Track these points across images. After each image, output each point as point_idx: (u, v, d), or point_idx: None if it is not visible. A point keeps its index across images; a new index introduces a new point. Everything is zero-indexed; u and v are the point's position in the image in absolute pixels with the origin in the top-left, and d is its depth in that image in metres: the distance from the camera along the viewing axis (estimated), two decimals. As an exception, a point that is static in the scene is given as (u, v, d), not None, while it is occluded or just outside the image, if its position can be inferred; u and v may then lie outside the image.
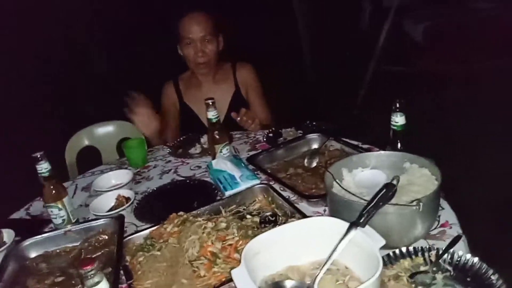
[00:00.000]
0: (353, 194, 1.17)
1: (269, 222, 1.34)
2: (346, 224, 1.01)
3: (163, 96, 2.25)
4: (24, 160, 1.47)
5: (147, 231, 1.31)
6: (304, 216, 1.26)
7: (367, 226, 1.01)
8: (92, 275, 0.83)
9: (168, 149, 1.97)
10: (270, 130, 1.98)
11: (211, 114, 1.63)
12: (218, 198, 1.50)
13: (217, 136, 1.67)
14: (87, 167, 2.02)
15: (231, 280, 1.04)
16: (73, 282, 1.22)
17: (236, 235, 1.15)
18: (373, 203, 1.03)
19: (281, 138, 1.91)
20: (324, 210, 1.37)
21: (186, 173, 1.76)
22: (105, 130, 2.48)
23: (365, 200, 1.10)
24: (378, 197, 1.03)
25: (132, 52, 4.00)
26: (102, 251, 1.34)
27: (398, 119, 1.35)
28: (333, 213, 1.23)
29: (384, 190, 1.05)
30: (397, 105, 1.34)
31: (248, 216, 1.38)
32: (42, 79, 2.74)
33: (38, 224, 1.53)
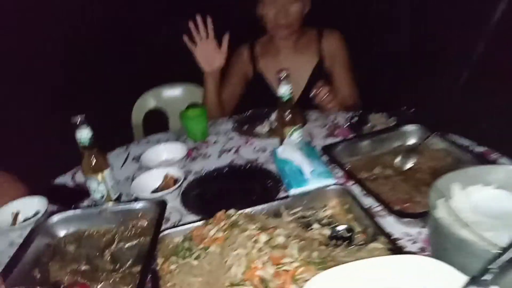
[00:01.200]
0: (467, 225, 0.82)
1: (343, 239, 1.03)
2: (462, 278, 0.68)
3: (235, 60, 1.96)
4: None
5: (189, 227, 1.07)
6: (393, 244, 0.93)
7: (494, 288, 0.67)
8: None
9: (233, 124, 1.71)
10: (355, 113, 1.63)
11: (284, 90, 1.32)
12: (282, 195, 1.22)
13: (288, 117, 1.36)
14: (154, 130, 1.84)
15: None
16: (97, 275, 1.03)
17: (296, 258, 0.86)
18: (508, 256, 0.67)
19: (368, 126, 1.56)
20: (419, 233, 1.03)
21: (248, 155, 1.49)
22: (173, 93, 2.30)
23: (489, 243, 0.74)
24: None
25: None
26: (137, 241, 1.13)
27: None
28: (436, 248, 0.89)
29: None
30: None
31: (316, 226, 1.08)
32: (109, 36, 2.60)
33: (78, 195, 1.36)
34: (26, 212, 1.27)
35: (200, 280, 0.89)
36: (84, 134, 1.19)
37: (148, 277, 0.94)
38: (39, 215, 1.22)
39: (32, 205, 1.27)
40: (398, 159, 1.30)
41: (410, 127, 1.41)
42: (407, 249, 0.97)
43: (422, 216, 1.01)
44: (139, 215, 1.19)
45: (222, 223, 0.98)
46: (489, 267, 0.68)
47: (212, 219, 1.03)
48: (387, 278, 0.77)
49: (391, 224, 1.05)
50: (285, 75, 1.30)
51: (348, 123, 1.57)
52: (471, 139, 1.35)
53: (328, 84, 1.67)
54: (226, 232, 0.95)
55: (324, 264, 0.87)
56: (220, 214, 1.03)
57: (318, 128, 1.60)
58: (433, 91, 2.32)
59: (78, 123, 1.18)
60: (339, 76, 1.88)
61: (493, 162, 1.22)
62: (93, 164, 1.23)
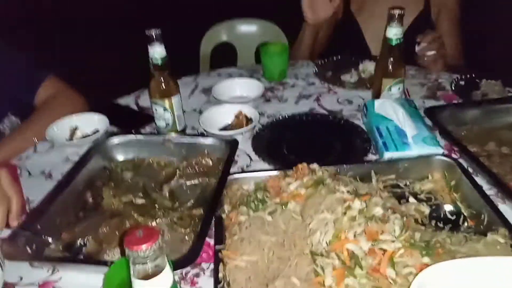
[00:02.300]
0: None
1: (446, 221, 0.84)
2: None
3: None
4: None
5: (261, 176, 0.92)
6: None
7: None
8: (148, 257, 0.46)
9: (315, 67, 1.50)
10: (462, 75, 1.37)
11: (394, 32, 1.09)
12: (369, 158, 1.03)
13: (391, 66, 1.14)
14: (221, 65, 1.68)
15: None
16: (154, 210, 0.91)
17: (398, 237, 0.69)
18: None
19: (478, 92, 1.30)
20: (545, 231, 0.81)
21: (330, 106, 1.30)
22: (247, 28, 2.11)
23: None
24: None
25: None
26: (200, 180, 0.99)
27: None
28: None
29: None
30: None
31: (411, 200, 0.89)
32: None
33: (141, 119, 1.25)
34: (85, 129, 1.17)
35: (273, 240, 0.74)
36: (158, 51, 1.04)
37: (211, 224, 0.81)
38: (98, 134, 1.12)
39: (91, 122, 1.17)
40: (518, 137, 1.06)
41: (537, 101, 1.15)
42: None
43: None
44: (205, 152, 1.05)
45: (306, 178, 0.81)
46: None
47: (293, 171, 0.87)
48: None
49: (507, 213, 0.84)
50: (398, 13, 1.07)
51: (454, 86, 1.33)
52: None
53: (438, 38, 1.40)
54: (309, 189, 0.79)
55: (431, 250, 0.69)
56: (302, 166, 0.86)
57: (417, 87, 1.36)
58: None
59: (153, 37, 1.03)
60: (446, 31, 1.60)
61: None
62: (163, 87, 1.09)
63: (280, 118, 1.22)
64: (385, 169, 0.95)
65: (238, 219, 0.78)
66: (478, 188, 0.86)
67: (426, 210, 0.87)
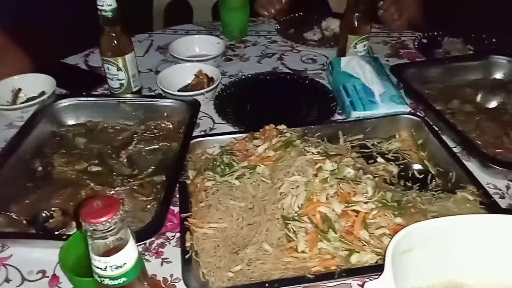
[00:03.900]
0: None
1: (414, 180, 0.84)
2: None
3: None
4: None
5: (226, 138, 0.87)
6: (486, 197, 0.74)
7: None
8: (109, 231, 0.40)
9: (277, 25, 1.44)
10: (425, 34, 1.36)
11: (361, -15, 1.05)
12: (335, 118, 1.00)
13: (358, 22, 1.10)
14: (175, 23, 1.57)
15: (343, 275, 0.59)
16: (111, 179, 0.85)
17: (370, 197, 0.67)
18: None
19: (441, 50, 1.30)
20: (508, 187, 0.83)
21: (294, 65, 1.25)
22: (203, -19, 1.98)
23: None
24: None
25: None
26: (160, 145, 0.93)
27: None
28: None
29: None
30: None
31: (380, 160, 0.88)
32: None
33: (92, 79, 1.15)
34: (29, 91, 1.05)
35: (242, 206, 0.70)
36: (107, 1, 0.93)
37: (175, 190, 0.76)
38: (45, 97, 1.01)
39: (37, 84, 1.05)
40: (480, 95, 1.07)
41: (497, 59, 1.15)
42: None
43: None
44: (164, 115, 0.98)
45: (274, 140, 0.77)
46: None
47: (259, 132, 0.82)
48: (489, 237, 0.59)
49: (473, 171, 0.84)
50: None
51: (417, 44, 1.31)
52: None
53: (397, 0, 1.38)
54: (278, 152, 0.75)
55: (403, 210, 0.68)
56: (269, 127, 0.82)
57: (380, 45, 1.34)
58: None
59: (99, -13, 0.93)
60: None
61: None
62: (115, 44, 0.99)
63: (243, 77, 1.16)
64: (352, 129, 0.93)
65: (204, 185, 0.74)
66: (446, 146, 0.86)
67: (394, 169, 0.86)
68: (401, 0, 1.50)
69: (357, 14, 1.09)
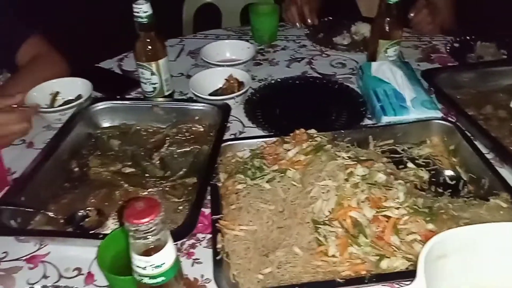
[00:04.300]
0: None
1: (445, 186, 0.83)
2: None
3: None
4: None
5: (256, 142, 0.88)
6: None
7: None
8: (150, 231, 0.42)
9: (306, 29, 1.45)
10: (457, 38, 1.34)
11: (392, -10, 1.04)
12: (365, 123, 1.00)
13: (389, 26, 1.09)
14: (204, 28, 1.60)
15: (373, 280, 0.59)
16: (144, 180, 0.87)
17: (402, 203, 0.67)
18: None
19: (473, 55, 1.28)
20: (544, 195, 0.81)
21: (324, 69, 1.25)
22: (231, -13, 2.01)
23: None
24: None
25: None
26: (191, 148, 0.95)
27: None
28: None
29: None
30: None
31: (410, 165, 0.87)
32: None
33: (126, 83, 1.18)
34: (67, 95, 1.10)
35: (272, 209, 0.71)
36: (143, 8, 0.97)
37: (207, 192, 0.78)
38: (82, 100, 1.05)
39: (74, 88, 1.10)
40: (514, 101, 1.05)
41: (533, 63, 1.12)
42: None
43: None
44: (196, 118, 1.00)
45: (304, 145, 0.78)
46: None
47: (290, 137, 0.83)
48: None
49: (506, 177, 0.82)
50: (397, -30, 1.01)
51: (449, 48, 1.29)
52: None
53: (429, 4, 1.36)
54: (309, 156, 0.76)
55: (435, 216, 0.67)
56: (300, 132, 0.83)
57: (411, 49, 1.33)
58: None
59: (138, -7, 0.96)
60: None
61: None
62: (149, 49, 1.02)
63: (273, 82, 1.17)
64: (382, 134, 0.93)
65: (235, 187, 0.75)
66: (478, 152, 0.85)
67: (425, 175, 0.85)
68: (434, 3, 1.48)
69: (388, 19, 1.09)
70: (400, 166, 0.88)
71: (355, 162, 0.72)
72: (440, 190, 0.82)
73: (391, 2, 1.06)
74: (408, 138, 0.93)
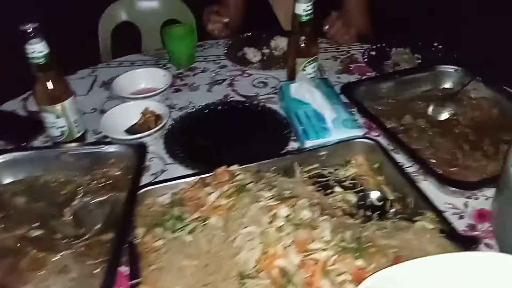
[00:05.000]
0: None
1: (374, 208, 0.82)
2: None
3: None
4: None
5: (177, 184, 0.82)
6: (445, 224, 0.73)
7: None
8: None
9: (225, 49, 1.40)
10: (373, 46, 1.36)
11: (303, 8, 1.02)
12: (292, 146, 0.97)
13: (305, 44, 1.08)
14: (124, 50, 1.51)
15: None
16: (55, 242, 0.78)
17: (329, 242, 0.64)
18: None
19: (389, 62, 1.30)
20: (466, 206, 0.82)
21: (246, 90, 1.21)
22: (149, 4, 1.92)
23: None
24: None
25: None
26: (108, 196, 0.87)
27: None
28: (507, 234, 0.69)
29: None
30: None
31: (338, 190, 0.86)
32: None
33: (31, 129, 1.07)
34: (-40, 148, 0.98)
35: (196, 264, 0.66)
36: (38, 49, 0.87)
37: (124, 250, 0.71)
38: (-22, 154, 0.94)
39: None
40: (431, 107, 1.07)
41: (446, 68, 1.16)
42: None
43: (478, 186, 0.80)
44: (111, 162, 0.92)
45: (226, 187, 0.73)
46: None
47: (211, 177, 0.78)
48: (457, 277, 0.57)
49: (430, 191, 0.83)
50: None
51: (366, 57, 1.31)
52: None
53: (341, 14, 1.37)
54: (232, 199, 0.71)
55: (363, 251, 0.65)
56: (221, 171, 0.78)
57: (330, 61, 1.33)
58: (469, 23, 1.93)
59: (29, 32, 0.87)
60: (351, 2, 1.57)
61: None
62: (51, 90, 0.93)
63: (193, 110, 1.12)
64: (308, 158, 0.90)
65: (154, 244, 0.69)
66: (400, 169, 0.84)
67: (353, 198, 0.84)
68: (347, 13, 1.50)
69: (303, 37, 1.07)
70: (328, 191, 0.86)
71: (279, 202, 0.69)
72: (369, 213, 0.81)
73: (303, 20, 1.04)
74: (333, 160, 0.91)
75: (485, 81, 1.09)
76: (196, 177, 0.81)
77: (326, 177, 0.89)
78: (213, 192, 0.73)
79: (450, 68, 1.15)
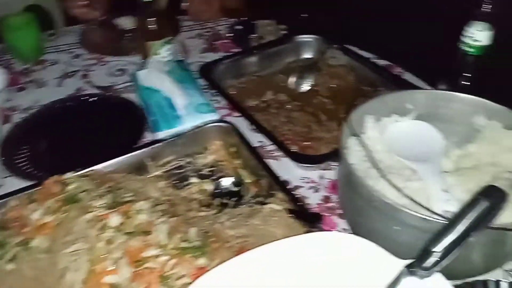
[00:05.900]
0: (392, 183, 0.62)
1: (230, 195, 0.79)
2: (396, 262, 0.48)
3: None
4: None
5: (8, 202, 0.72)
6: (293, 202, 0.71)
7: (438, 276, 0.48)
8: None
9: (79, 35, 1.27)
10: (239, 19, 1.31)
11: (142, -12, 0.94)
12: (148, 139, 0.90)
13: (153, 26, 0.99)
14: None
15: None
16: None
17: (165, 247, 0.59)
18: (460, 230, 0.48)
19: (254, 35, 1.26)
20: (321, 178, 0.82)
21: (101, 81, 1.11)
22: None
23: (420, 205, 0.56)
24: (471, 217, 0.48)
25: None
26: None
27: (478, 35, 0.76)
28: (348, 205, 0.69)
29: (486, 204, 0.49)
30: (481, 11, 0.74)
31: (194, 180, 0.81)
32: None
33: None
34: None
35: (19, 294, 0.57)
36: None
37: None
38: None
39: None
40: (292, 79, 1.06)
41: (305, 38, 1.15)
42: (308, 200, 0.77)
43: (327, 159, 0.80)
44: None
45: (51, 201, 0.65)
46: (431, 249, 0.48)
47: (39, 190, 0.69)
48: (296, 263, 0.55)
49: (288, 167, 0.82)
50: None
51: (232, 32, 1.26)
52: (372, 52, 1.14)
53: None
54: (61, 212, 0.63)
55: (203, 248, 0.61)
56: (50, 182, 0.69)
57: (195, 39, 1.26)
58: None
59: None
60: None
61: (397, 77, 1.04)
62: None
63: (36, 112, 0.99)
64: (162, 151, 0.84)
65: (-31, 280, 0.59)
66: (252, 150, 0.82)
67: (210, 187, 0.80)
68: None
69: (149, 19, 0.98)
70: (185, 182, 0.81)
71: (112, 210, 0.62)
72: (226, 201, 0.77)
73: (146, 0, 0.96)
74: (190, 149, 0.86)
75: (341, 47, 1.09)
76: (24, 192, 0.71)
77: (184, 168, 0.84)
78: (37, 209, 0.64)
79: (309, 38, 1.14)
